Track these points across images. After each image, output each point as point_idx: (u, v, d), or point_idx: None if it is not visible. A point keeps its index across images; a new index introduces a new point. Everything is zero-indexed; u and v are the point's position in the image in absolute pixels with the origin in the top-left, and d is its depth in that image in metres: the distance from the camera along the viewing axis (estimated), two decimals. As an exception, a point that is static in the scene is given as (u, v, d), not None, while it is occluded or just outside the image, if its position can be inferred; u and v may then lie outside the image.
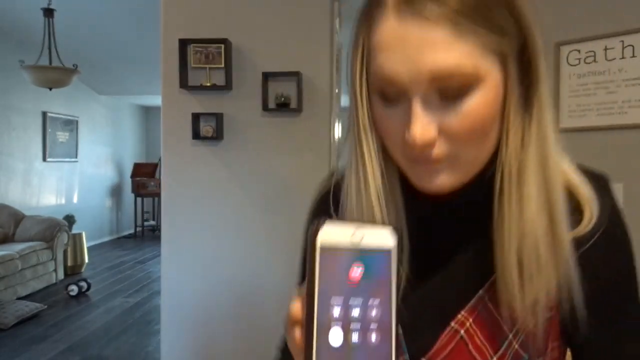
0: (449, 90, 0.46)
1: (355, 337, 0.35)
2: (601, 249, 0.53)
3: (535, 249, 0.49)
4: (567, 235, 0.50)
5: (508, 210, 0.50)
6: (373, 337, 0.35)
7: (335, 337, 0.35)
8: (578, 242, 0.51)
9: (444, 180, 0.49)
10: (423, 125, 0.46)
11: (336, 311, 0.35)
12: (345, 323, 0.35)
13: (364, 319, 0.35)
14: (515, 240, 0.49)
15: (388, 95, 0.48)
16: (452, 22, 0.44)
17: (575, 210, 0.53)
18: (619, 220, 0.55)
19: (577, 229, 0.52)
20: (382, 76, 0.47)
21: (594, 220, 0.52)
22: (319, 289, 0.35)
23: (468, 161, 0.50)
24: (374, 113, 0.51)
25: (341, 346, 0.35)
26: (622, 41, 1.89)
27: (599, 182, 0.55)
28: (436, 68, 0.44)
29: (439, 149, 0.47)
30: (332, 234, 0.36)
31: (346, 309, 0.35)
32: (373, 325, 0.35)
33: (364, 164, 0.53)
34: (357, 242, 0.36)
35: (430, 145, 0.47)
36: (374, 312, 0.35)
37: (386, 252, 0.37)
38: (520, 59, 0.48)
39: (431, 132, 0.46)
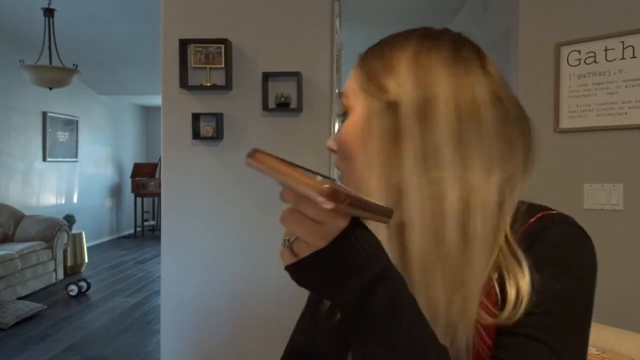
0: (344, 108, 0.62)
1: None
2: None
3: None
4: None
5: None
6: None
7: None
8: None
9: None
10: (334, 135, 0.64)
11: None
12: None
13: None
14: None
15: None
16: (356, 69, 0.62)
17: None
18: (560, 268, 0.52)
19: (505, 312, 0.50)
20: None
21: (522, 304, 0.50)
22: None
23: (352, 179, 0.59)
24: None
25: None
26: (622, 42, 1.89)
27: (544, 222, 0.55)
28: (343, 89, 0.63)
29: (337, 159, 0.62)
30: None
31: None
32: None
33: None
34: None
35: (332, 150, 0.62)
36: None
37: None
38: (419, 109, 0.54)
39: (333, 141, 0.62)
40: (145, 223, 8.90)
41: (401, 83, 0.55)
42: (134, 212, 8.77)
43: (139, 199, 8.71)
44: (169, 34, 2.60)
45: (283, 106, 2.58)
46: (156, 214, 8.96)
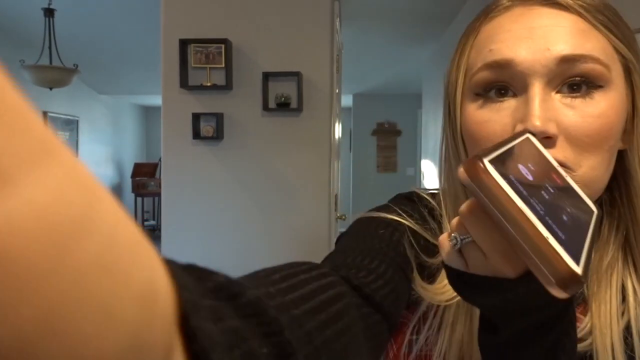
0: (576, 81, 0.42)
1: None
2: None
3: None
4: None
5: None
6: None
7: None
8: None
9: None
10: (543, 112, 0.41)
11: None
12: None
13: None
14: None
15: (498, 86, 0.44)
16: (586, 15, 0.43)
17: None
18: None
19: None
20: (498, 61, 0.43)
21: None
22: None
23: (586, 177, 0.42)
24: (468, 122, 0.46)
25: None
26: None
27: None
28: (567, 51, 0.42)
29: (557, 152, 0.41)
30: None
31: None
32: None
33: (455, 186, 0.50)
34: None
35: (550, 135, 0.41)
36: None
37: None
38: None
39: (552, 123, 0.41)
40: (146, 223, 8.89)
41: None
42: (134, 212, 8.77)
43: (139, 199, 8.71)
44: (169, 33, 2.60)
45: (283, 106, 2.58)
46: (156, 213, 8.96)
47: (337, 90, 2.87)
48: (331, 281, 0.38)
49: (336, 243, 0.53)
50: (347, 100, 6.87)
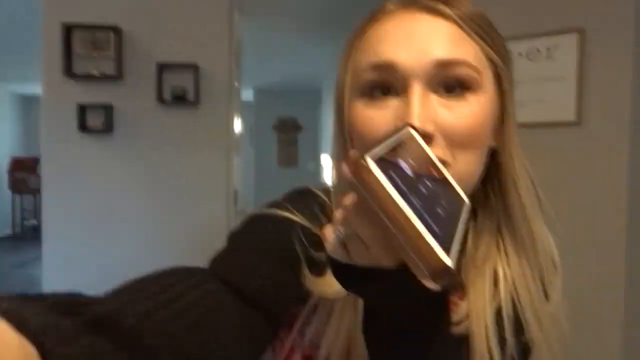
0: (451, 83, 0.46)
1: None
2: None
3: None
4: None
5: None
6: None
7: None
8: None
9: None
10: (422, 112, 0.44)
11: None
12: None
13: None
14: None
15: (382, 86, 0.47)
16: (461, 23, 0.47)
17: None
18: None
19: None
20: (381, 63, 0.47)
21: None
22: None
23: (461, 172, 0.46)
24: (354, 119, 0.49)
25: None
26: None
27: None
28: (444, 56, 0.45)
29: (434, 149, 0.43)
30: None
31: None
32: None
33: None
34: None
35: (428, 133, 0.44)
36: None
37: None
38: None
39: (430, 122, 0.44)
40: (25, 222, 8.13)
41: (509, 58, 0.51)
42: (11, 211, 7.98)
43: (17, 197, 7.95)
44: (52, 17, 2.38)
45: (179, 99, 2.49)
46: (37, 212, 8.21)
47: (236, 84, 2.83)
48: (208, 289, 0.41)
49: (227, 241, 0.54)
50: (247, 95, 6.80)
